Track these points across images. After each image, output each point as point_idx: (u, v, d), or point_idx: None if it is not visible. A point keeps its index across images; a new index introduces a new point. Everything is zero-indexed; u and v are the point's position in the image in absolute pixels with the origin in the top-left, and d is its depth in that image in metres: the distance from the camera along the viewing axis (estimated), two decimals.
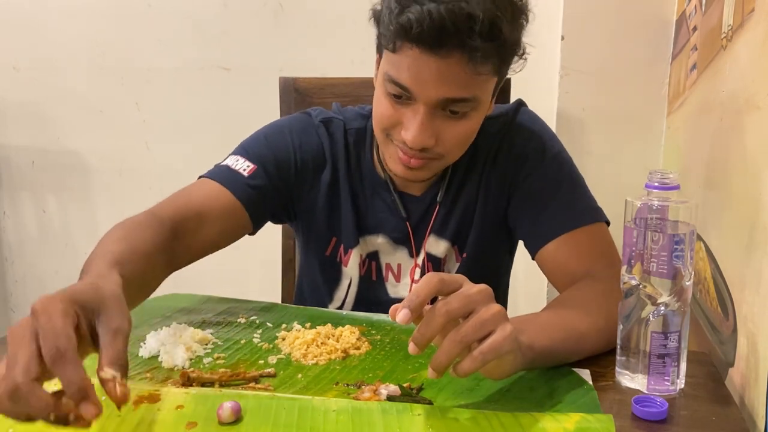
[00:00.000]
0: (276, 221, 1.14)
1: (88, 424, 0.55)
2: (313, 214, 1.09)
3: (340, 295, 1.12)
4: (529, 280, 1.67)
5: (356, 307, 1.11)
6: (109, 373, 0.56)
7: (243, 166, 1.02)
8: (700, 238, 1.09)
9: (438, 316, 0.66)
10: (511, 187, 1.05)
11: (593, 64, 1.63)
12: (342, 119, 1.08)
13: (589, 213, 1.01)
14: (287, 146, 1.06)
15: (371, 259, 1.09)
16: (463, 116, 0.91)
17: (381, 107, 0.93)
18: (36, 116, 2.12)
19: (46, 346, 0.54)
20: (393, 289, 1.10)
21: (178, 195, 1.01)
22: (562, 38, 1.63)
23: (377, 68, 0.96)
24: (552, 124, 1.66)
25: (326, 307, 1.13)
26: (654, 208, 0.77)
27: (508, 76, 1.33)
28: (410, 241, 1.07)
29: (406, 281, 1.09)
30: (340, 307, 1.12)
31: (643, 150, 1.63)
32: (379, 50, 0.94)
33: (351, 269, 1.10)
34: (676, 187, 0.77)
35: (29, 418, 0.55)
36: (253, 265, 1.87)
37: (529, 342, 0.75)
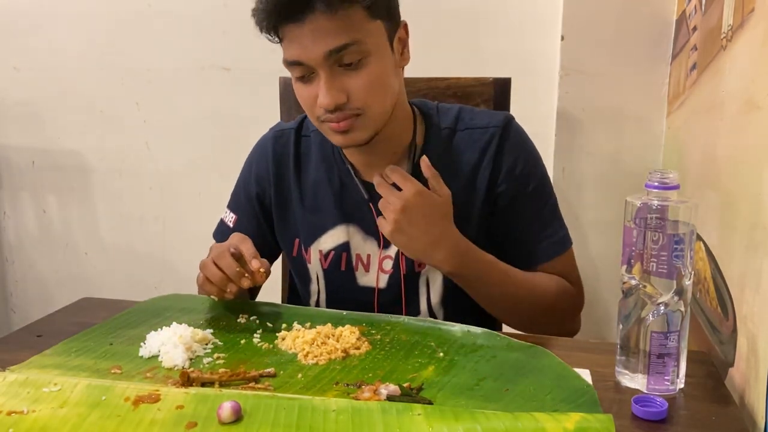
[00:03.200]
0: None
1: (253, 279, 0.95)
2: (276, 222, 1.18)
3: (314, 288, 1.17)
4: None
5: (329, 297, 1.15)
6: (255, 264, 0.95)
7: (229, 218, 1.21)
8: (699, 237, 1.09)
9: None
10: (497, 204, 1.08)
11: (593, 64, 1.63)
12: (293, 128, 1.17)
13: (564, 241, 1.11)
14: (250, 181, 1.19)
15: (342, 250, 1.12)
16: (360, 65, 0.96)
17: (300, 95, 1.01)
18: (36, 116, 2.11)
19: (233, 240, 0.99)
20: (362, 278, 1.12)
21: None
22: (562, 38, 1.63)
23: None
24: (552, 124, 1.66)
25: (308, 301, 1.18)
26: (654, 207, 0.77)
27: (508, 76, 1.35)
28: (377, 229, 1.09)
29: (375, 270, 1.11)
30: (317, 299, 1.17)
31: (643, 150, 1.63)
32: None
33: (314, 265, 1.15)
34: (676, 187, 0.77)
35: (220, 279, 0.96)
36: None
37: (446, 259, 1.00)
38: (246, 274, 0.95)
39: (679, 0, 1.53)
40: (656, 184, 0.77)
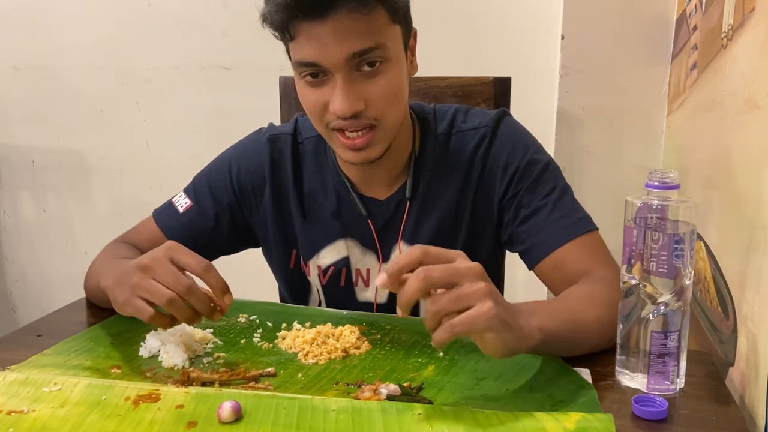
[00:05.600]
0: (238, 248, 1.16)
1: (223, 313, 0.83)
2: (267, 231, 1.11)
3: (315, 299, 1.14)
4: (528, 289, 1.67)
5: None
6: (228, 300, 0.83)
7: (182, 203, 1.11)
8: (700, 237, 1.09)
9: (416, 280, 0.68)
10: (500, 203, 1.04)
11: (593, 64, 1.63)
12: (290, 133, 1.10)
13: (582, 223, 1.00)
14: (225, 179, 1.10)
15: (342, 265, 1.08)
16: (379, 71, 0.91)
17: (307, 99, 0.94)
18: (36, 115, 2.12)
19: (193, 265, 0.81)
20: (361, 293, 1.09)
21: (131, 233, 1.14)
22: (562, 38, 1.63)
23: (295, 81, 0.96)
24: (552, 123, 1.66)
25: None
26: (654, 207, 0.77)
27: (508, 75, 1.35)
28: (376, 245, 1.07)
29: (374, 285, 1.08)
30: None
31: (643, 150, 1.63)
32: (289, 56, 0.95)
33: (313, 279, 1.11)
34: (676, 187, 0.77)
35: (189, 316, 0.81)
36: (252, 265, 1.87)
37: (539, 324, 0.76)
38: (218, 308, 0.83)
39: None
40: (656, 183, 0.77)
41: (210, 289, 0.83)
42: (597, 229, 1.01)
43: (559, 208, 1.00)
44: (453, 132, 1.06)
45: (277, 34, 0.92)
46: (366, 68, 0.90)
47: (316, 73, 0.91)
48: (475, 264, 0.71)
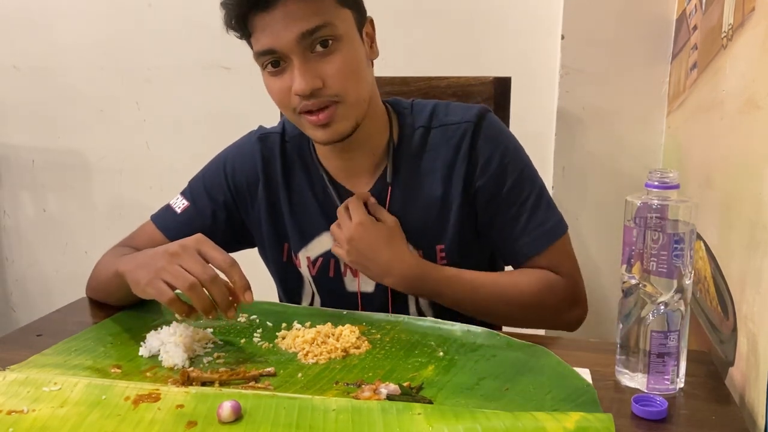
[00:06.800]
0: (233, 247, 1.16)
1: (235, 311, 0.87)
2: (261, 227, 1.14)
3: (308, 291, 1.15)
4: None
5: (322, 302, 1.14)
6: (249, 298, 0.87)
7: (179, 204, 1.15)
8: (699, 237, 1.09)
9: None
10: (476, 201, 1.06)
11: (593, 64, 1.63)
12: (279, 132, 1.14)
13: (555, 229, 1.07)
14: (220, 178, 1.15)
15: (330, 256, 1.10)
16: (332, 50, 0.95)
17: (272, 88, 0.99)
18: (36, 115, 2.12)
19: (219, 259, 0.88)
20: (351, 284, 1.11)
21: (130, 238, 1.16)
22: (562, 38, 1.63)
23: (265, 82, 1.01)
24: (552, 123, 1.66)
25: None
26: (654, 207, 0.77)
27: (508, 75, 1.35)
28: None
29: (362, 275, 1.09)
30: (311, 302, 1.16)
31: (643, 149, 1.63)
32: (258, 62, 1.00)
33: (304, 270, 1.13)
34: (676, 187, 0.77)
35: (207, 306, 0.86)
36: (253, 265, 1.87)
37: (398, 276, 1.02)
38: (235, 305, 0.88)
39: None
40: (656, 183, 0.77)
41: (231, 285, 0.88)
42: (567, 229, 1.08)
43: (532, 217, 1.05)
44: (434, 125, 1.08)
45: (238, 33, 0.98)
46: (319, 48, 0.94)
47: (276, 61, 0.96)
48: (357, 222, 1.02)
